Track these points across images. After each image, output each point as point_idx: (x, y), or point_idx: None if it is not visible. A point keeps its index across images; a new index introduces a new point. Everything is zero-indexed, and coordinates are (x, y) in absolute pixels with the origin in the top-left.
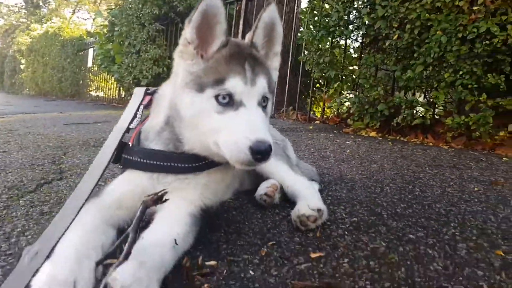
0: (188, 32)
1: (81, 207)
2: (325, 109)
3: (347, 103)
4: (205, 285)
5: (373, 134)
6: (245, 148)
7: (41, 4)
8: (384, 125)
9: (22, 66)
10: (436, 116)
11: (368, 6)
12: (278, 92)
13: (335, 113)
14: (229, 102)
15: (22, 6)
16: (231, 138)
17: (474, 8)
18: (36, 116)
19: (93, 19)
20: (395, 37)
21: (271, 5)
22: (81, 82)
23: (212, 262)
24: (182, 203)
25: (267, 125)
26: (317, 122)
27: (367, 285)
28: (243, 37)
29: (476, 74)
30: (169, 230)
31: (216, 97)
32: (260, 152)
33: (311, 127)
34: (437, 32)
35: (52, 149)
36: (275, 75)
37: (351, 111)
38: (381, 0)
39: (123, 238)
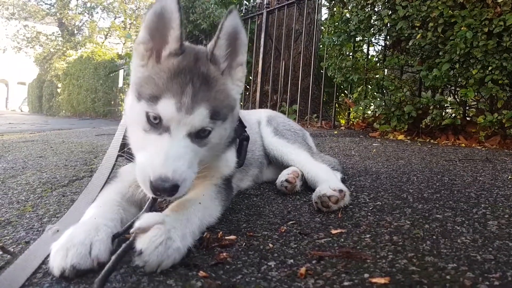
0: (141, 30)
1: (99, 192)
2: (350, 114)
3: (372, 107)
4: (224, 254)
5: (401, 137)
6: (147, 180)
7: (76, 31)
8: (413, 128)
9: (58, 90)
10: (467, 118)
11: (389, 7)
12: (302, 101)
13: (361, 118)
14: (158, 123)
15: (58, 34)
16: (142, 163)
17: (499, 0)
18: (71, 130)
19: (123, 43)
20: (418, 36)
21: (232, 12)
22: (113, 102)
23: (232, 237)
24: (202, 178)
25: (196, 158)
26: (342, 128)
27: (389, 255)
28: (265, 49)
29: (507, 69)
30: (196, 193)
31: (147, 113)
32: (159, 190)
33: (335, 132)
34: (462, 28)
35: (84, 153)
36: (236, 90)
37: (377, 115)
38: (401, 0)
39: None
